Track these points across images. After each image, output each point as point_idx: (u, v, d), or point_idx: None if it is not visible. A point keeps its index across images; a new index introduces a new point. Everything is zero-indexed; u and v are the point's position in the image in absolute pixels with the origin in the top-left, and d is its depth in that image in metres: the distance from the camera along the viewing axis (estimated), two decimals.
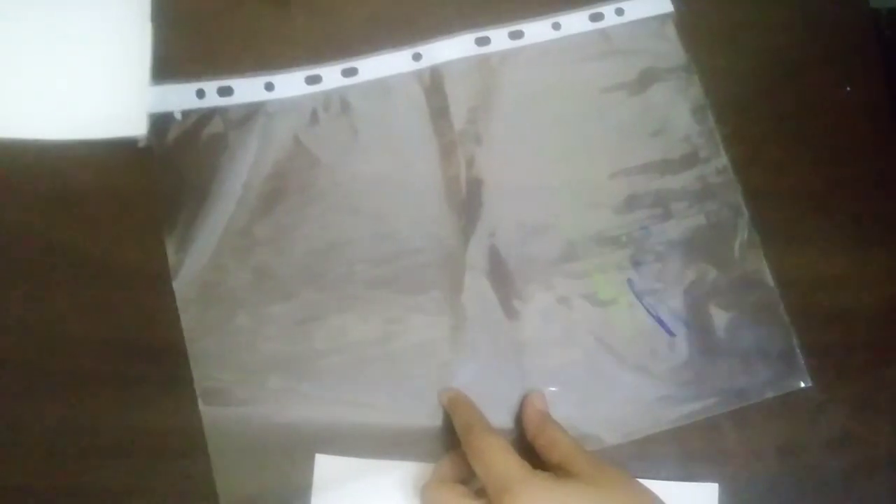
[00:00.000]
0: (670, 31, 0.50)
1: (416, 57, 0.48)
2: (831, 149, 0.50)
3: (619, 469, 0.38)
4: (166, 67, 0.46)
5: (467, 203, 0.47)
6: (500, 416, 0.44)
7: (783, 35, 0.51)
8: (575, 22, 0.50)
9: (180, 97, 0.46)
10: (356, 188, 0.46)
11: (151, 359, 0.43)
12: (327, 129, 0.47)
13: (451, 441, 0.43)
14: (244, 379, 0.43)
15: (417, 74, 0.48)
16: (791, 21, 0.52)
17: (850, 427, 0.46)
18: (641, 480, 0.38)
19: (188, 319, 0.43)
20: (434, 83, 0.48)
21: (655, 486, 0.38)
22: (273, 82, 0.47)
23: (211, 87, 0.46)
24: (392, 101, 0.48)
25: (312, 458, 0.42)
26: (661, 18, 0.51)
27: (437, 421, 0.44)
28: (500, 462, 0.37)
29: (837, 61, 0.51)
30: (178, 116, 0.46)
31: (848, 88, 0.51)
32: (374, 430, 0.43)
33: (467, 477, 0.40)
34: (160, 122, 0.45)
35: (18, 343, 0.43)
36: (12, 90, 0.45)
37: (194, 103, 0.46)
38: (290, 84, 0.47)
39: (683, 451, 0.44)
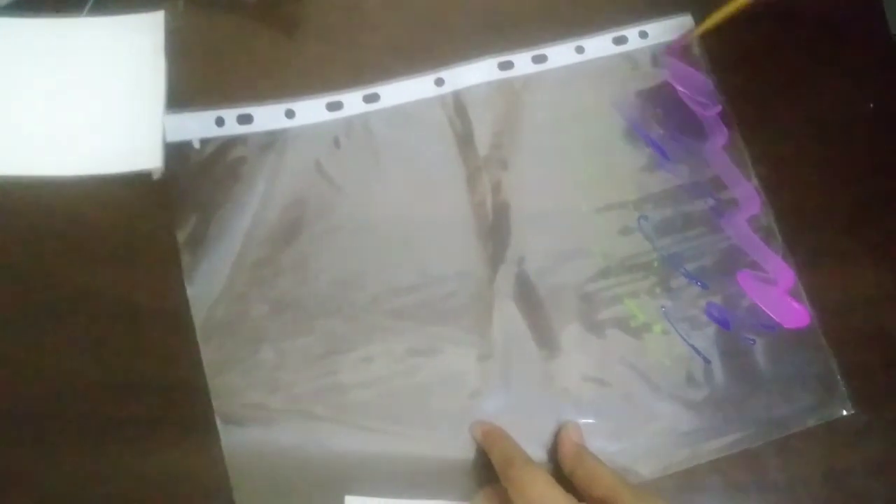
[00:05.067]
0: (695, 54, 0.50)
1: (439, 82, 0.47)
2: (858, 166, 0.49)
3: (664, 501, 0.36)
4: (182, 98, 0.45)
5: (494, 229, 0.45)
6: (534, 449, 0.42)
7: (804, 54, 0.51)
8: (598, 45, 0.49)
9: (199, 125, 0.45)
10: (380, 215, 0.45)
11: (170, 399, 0.41)
12: (350, 156, 0.46)
13: (484, 476, 0.41)
14: (268, 414, 0.41)
15: (440, 100, 0.47)
16: (812, 40, 0.51)
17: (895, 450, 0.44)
18: None
19: (209, 354, 0.42)
20: (458, 108, 0.47)
21: None
22: (294, 109, 0.46)
23: (230, 114, 0.45)
24: (415, 127, 0.47)
25: (342, 501, 0.40)
26: (686, 42, 0.50)
27: (468, 455, 0.42)
28: (546, 496, 0.35)
29: (858, 78, 0.51)
30: (197, 145, 0.44)
31: (871, 105, 0.50)
32: (404, 468, 0.41)
33: None
34: (178, 152, 0.44)
35: (32, 388, 0.41)
36: (24, 128, 0.44)
37: (213, 132, 0.45)
38: (311, 111, 0.46)
39: (726, 482, 0.43)
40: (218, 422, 0.41)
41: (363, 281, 0.44)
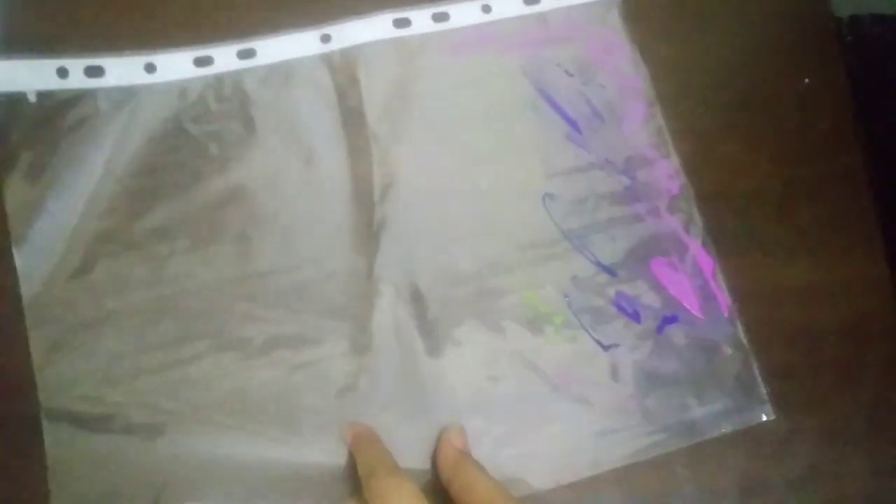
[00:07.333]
0: (615, 18, 0.45)
1: (325, 38, 0.42)
2: (790, 146, 0.45)
3: None
4: (16, 42, 0.39)
5: (379, 207, 0.40)
6: (414, 456, 0.37)
7: (736, 24, 0.47)
8: (508, 4, 0.45)
9: (35, 75, 0.39)
10: (249, 186, 0.40)
11: None
12: (218, 119, 0.41)
13: (354, 485, 0.36)
14: (103, 409, 0.36)
15: (326, 58, 0.42)
16: (744, 10, 0.47)
17: (818, 461, 0.41)
18: None
19: (38, 340, 0.36)
20: (345, 69, 0.42)
21: None
22: (155, 63, 0.40)
23: (77, 65, 0.39)
24: (295, 89, 0.42)
25: None
26: (605, 5, 0.46)
27: (334, 460, 0.37)
28: None
29: (795, 52, 0.47)
30: (32, 98, 0.39)
31: (806, 80, 0.47)
32: (259, 471, 0.36)
33: None
34: (8, 105, 0.39)
35: None
36: None
37: (54, 84, 0.39)
38: (175, 65, 0.41)
39: (631, 495, 0.39)
40: (42, 418, 0.35)
41: (223, 260, 0.39)
